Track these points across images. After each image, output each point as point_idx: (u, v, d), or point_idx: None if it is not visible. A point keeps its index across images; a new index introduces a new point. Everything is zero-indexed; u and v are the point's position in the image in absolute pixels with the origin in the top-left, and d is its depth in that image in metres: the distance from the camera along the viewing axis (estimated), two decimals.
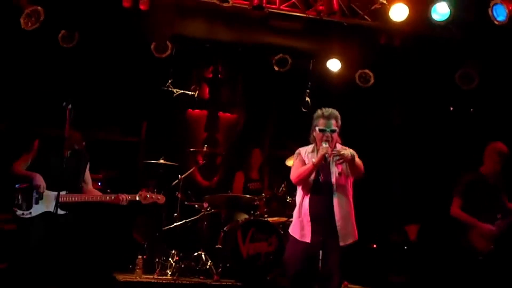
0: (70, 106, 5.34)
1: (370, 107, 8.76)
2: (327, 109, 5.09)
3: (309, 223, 4.95)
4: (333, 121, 5.02)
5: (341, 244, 4.92)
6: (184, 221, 7.26)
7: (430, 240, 7.75)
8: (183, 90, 7.82)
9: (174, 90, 7.74)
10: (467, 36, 7.09)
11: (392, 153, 8.80)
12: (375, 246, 8.07)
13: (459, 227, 6.02)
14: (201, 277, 6.88)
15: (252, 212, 7.36)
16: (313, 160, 4.98)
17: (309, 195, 5.02)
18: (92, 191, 5.84)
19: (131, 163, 8.26)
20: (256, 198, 7.39)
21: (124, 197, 5.74)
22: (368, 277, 7.31)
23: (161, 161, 7.33)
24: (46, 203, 5.51)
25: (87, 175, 5.87)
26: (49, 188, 5.50)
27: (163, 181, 7.45)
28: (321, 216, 4.92)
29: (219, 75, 9.02)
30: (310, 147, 5.16)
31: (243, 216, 7.33)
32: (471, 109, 8.08)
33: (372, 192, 8.44)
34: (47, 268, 5.50)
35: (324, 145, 4.92)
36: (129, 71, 8.04)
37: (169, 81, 7.70)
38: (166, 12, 7.04)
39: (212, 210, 7.33)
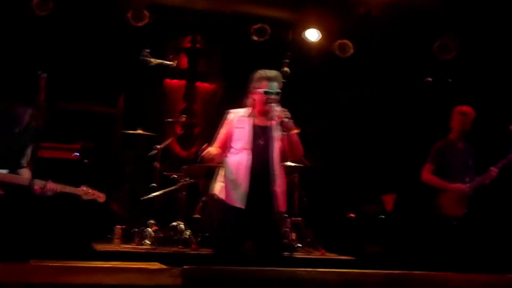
0: (45, 74, 5.08)
1: (349, 77, 8.81)
2: (270, 70, 4.87)
3: (247, 186, 4.71)
4: (276, 83, 4.79)
5: (279, 210, 4.80)
6: (162, 191, 7.29)
7: (406, 209, 7.90)
8: (161, 60, 7.69)
9: (152, 60, 7.60)
10: (445, 6, 7.15)
11: (370, 123, 8.91)
12: (352, 215, 8.20)
13: (430, 194, 6.15)
14: (179, 247, 6.94)
15: None
16: (247, 125, 4.77)
17: (248, 156, 4.75)
18: (25, 173, 5.23)
19: (108, 134, 8.29)
20: None
21: (50, 187, 5.04)
22: (344, 246, 7.45)
23: (139, 131, 7.35)
24: None
25: (28, 154, 5.35)
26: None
27: (141, 152, 7.54)
28: (261, 181, 4.72)
29: (197, 45, 9.01)
30: (243, 110, 4.92)
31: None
32: (449, 79, 8.18)
33: (349, 162, 8.68)
34: (26, 241, 5.55)
35: (278, 108, 4.67)
36: (105, 40, 8.00)
37: (147, 50, 7.56)
38: None
39: (191, 180, 7.37)
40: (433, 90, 8.25)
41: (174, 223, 7.15)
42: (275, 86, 4.79)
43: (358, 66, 8.64)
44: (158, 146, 7.34)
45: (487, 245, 6.60)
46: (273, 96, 4.76)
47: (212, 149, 4.91)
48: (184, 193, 7.36)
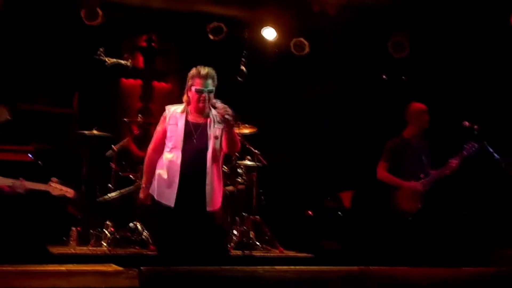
0: None
1: (306, 75, 8.86)
2: (204, 67, 4.84)
3: (176, 185, 4.70)
4: (210, 81, 4.77)
5: (213, 208, 4.78)
6: (119, 192, 7.21)
7: (364, 206, 7.97)
8: (116, 59, 7.54)
9: (107, 59, 7.43)
10: (398, 4, 7.22)
11: (327, 120, 8.97)
12: (310, 212, 8.24)
13: (386, 191, 6.22)
14: (136, 247, 6.87)
15: None
16: (180, 122, 4.77)
17: (180, 153, 4.73)
18: None
19: (63, 135, 8.14)
20: None
21: (21, 185, 5.07)
22: (303, 243, 7.48)
23: (94, 131, 7.25)
24: None
25: None
26: None
27: (97, 152, 7.40)
28: (193, 179, 4.72)
29: (153, 44, 8.92)
30: (179, 106, 4.90)
31: None
32: (403, 77, 8.28)
33: (307, 159, 8.73)
34: None
35: (220, 105, 4.66)
36: (59, 40, 7.86)
37: (101, 49, 7.41)
38: None
39: None
40: (388, 87, 8.40)
41: (131, 224, 7.05)
42: (208, 84, 4.77)
43: (314, 64, 8.68)
44: (114, 147, 7.24)
45: (442, 239, 6.70)
46: (204, 94, 4.75)
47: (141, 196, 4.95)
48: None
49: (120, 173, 7.38)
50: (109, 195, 7.18)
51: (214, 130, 4.77)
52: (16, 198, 5.31)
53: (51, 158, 7.41)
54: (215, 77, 4.85)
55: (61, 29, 7.82)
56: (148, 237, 6.95)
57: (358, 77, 8.76)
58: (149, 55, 8.92)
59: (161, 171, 4.84)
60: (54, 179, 5.20)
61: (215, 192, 4.78)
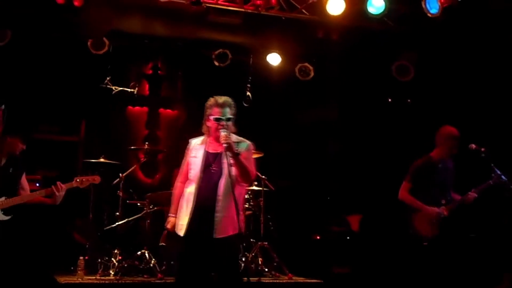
0: (3, 106, 5.27)
1: (311, 100, 8.83)
2: (221, 96, 4.88)
3: (189, 216, 4.75)
4: (227, 109, 4.81)
5: (217, 236, 4.72)
6: (126, 220, 7.16)
7: (373, 230, 7.86)
8: (122, 87, 7.73)
9: (113, 88, 7.62)
10: (403, 28, 7.22)
11: (332, 144, 8.93)
12: (318, 237, 8.13)
13: (404, 214, 6.08)
14: (145, 276, 6.80)
15: None
16: (200, 153, 4.85)
17: (196, 185, 4.79)
18: (25, 193, 5.65)
19: (70, 163, 8.13)
20: None
21: (60, 187, 5.55)
22: (311, 268, 7.37)
23: (101, 159, 7.22)
24: None
25: (24, 181, 5.72)
26: None
27: (104, 180, 7.09)
28: (205, 208, 4.74)
29: (159, 71, 8.94)
30: (199, 139, 4.98)
31: None
32: (408, 100, 8.24)
33: (313, 183, 8.65)
34: None
35: (223, 133, 4.68)
36: (66, 69, 7.91)
37: (108, 78, 7.59)
38: (102, 8, 6.90)
39: (155, 208, 7.24)
40: (392, 110, 8.35)
41: (139, 252, 6.99)
42: (225, 112, 4.81)
43: (318, 88, 8.66)
44: (121, 174, 7.21)
45: (458, 267, 6.55)
46: (223, 122, 4.78)
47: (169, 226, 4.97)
48: (148, 221, 7.21)
49: (127, 201, 7.34)
50: (117, 223, 7.11)
51: (230, 159, 4.74)
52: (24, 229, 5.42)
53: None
54: (233, 105, 4.89)
55: (68, 59, 7.86)
56: (156, 265, 6.87)
57: (362, 101, 8.72)
58: (155, 82, 8.94)
59: (181, 203, 4.90)
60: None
61: (226, 219, 4.73)
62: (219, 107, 4.81)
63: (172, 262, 6.89)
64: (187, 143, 8.12)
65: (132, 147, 7.90)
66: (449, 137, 6.08)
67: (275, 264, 7.26)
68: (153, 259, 6.92)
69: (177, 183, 5.05)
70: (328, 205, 8.54)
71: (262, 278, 6.95)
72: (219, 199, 4.73)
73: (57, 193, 5.53)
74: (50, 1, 6.56)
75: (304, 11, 7.21)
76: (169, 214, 5.03)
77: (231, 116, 4.83)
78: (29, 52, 7.59)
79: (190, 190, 4.83)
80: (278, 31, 7.52)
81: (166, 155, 8.75)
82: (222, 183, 4.75)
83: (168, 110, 9.01)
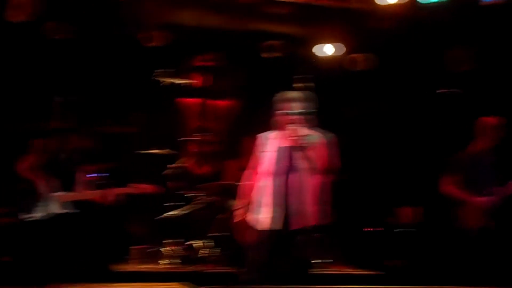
0: (60, 99, 5.57)
1: (361, 92, 8.72)
2: (289, 91, 5.00)
3: (270, 208, 4.84)
4: (297, 103, 4.90)
5: (295, 227, 4.80)
6: (178, 210, 7.24)
7: (428, 222, 7.71)
8: (175, 79, 7.79)
9: (167, 80, 7.68)
10: (455, 18, 7.07)
11: (387, 135, 8.75)
12: (371, 229, 8.03)
13: (450, 206, 5.99)
14: (197, 265, 6.87)
15: None
16: (271, 147, 4.92)
17: (270, 178, 4.88)
18: (85, 189, 5.98)
19: (124, 154, 8.17)
20: None
21: (111, 192, 5.90)
22: (364, 260, 7.36)
23: (155, 150, 7.31)
24: (48, 205, 5.72)
25: (83, 176, 6.02)
26: (52, 189, 5.73)
27: (157, 171, 7.47)
28: (283, 201, 4.82)
29: (211, 63, 8.94)
30: (269, 133, 5.05)
31: None
32: (460, 91, 8.07)
33: (368, 176, 8.52)
34: (47, 264, 5.64)
35: (292, 127, 4.80)
36: (119, 62, 7.98)
37: (160, 70, 7.65)
38: (156, 0, 6.99)
39: (207, 198, 7.31)
40: (446, 101, 8.17)
41: (192, 242, 7.09)
42: (296, 107, 4.87)
43: (369, 80, 8.52)
44: (174, 165, 7.31)
45: (507, 258, 6.41)
46: (294, 117, 4.84)
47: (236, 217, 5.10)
48: (201, 211, 7.29)
49: (179, 191, 7.40)
50: (169, 213, 7.20)
51: (299, 152, 4.82)
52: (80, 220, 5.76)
53: (113, 177, 7.43)
54: (303, 99, 4.96)
55: (122, 52, 7.96)
56: (209, 255, 6.96)
57: (413, 93, 8.53)
58: (208, 74, 8.96)
59: (256, 197, 4.96)
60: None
61: (301, 211, 4.77)
62: (288, 102, 4.89)
63: (225, 252, 6.99)
64: (238, 134, 8.26)
65: (185, 138, 7.97)
66: (490, 127, 5.95)
67: (331, 255, 7.25)
68: (206, 249, 7.00)
69: (245, 177, 5.15)
70: (382, 198, 8.35)
71: (317, 270, 6.89)
72: (293, 191, 4.78)
73: (107, 198, 5.88)
74: None
75: (355, 1, 7.16)
76: (238, 206, 5.14)
77: (300, 110, 4.88)
78: (84, 45, 7.70)
79: (264, 183, 4.90)
80: (331, 21, 7.50)
81: (218, 146, 8.73)
82: (296, 175, 4.80)
83: (220, 102, 9.05)
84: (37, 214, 5.71)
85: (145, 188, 6.03)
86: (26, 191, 5.72)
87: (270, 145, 4.97)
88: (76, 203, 5.89)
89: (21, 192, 5.74)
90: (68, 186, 5.82)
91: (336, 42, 7.92)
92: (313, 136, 4.92)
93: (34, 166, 5.77)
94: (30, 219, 5.69)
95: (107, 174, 6.56)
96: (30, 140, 5.82)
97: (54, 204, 5.77)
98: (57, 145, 5.94)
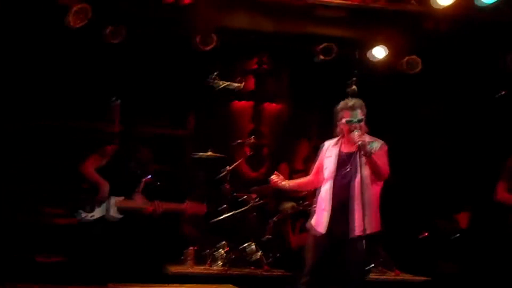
0: (118, 101, 5.43)
1: (417, 96, 8.62)
2: (350, 99, 5.08)
3: (328, 213, 4.93)
4: (358, 111, 4.98)
5: (355, 234, 4.81)
6: (232, 212, 7.28)
7: (482, 227, 7.57)
8: (229, 82, 7.82)
9: (220, 83, 7.72)
10: None
11: (441, 139, 8.66)
12: (426, 234, 7.92)
13: (504, 212, 5.87)
14: (251, 268, 6.93)
15: (300, 202, 7.34)
16: (334, 153, 5.04)
17: (332, 183, 4.98)
18: (139, 198, 6.18)
19: (179, 156, 8.31)
20: None
21: (161, 206, 6.10)
22: (418, 265, 7.27)
23: (209, 153, 7.36)
24: (106, 207, 5.91)
25: (143, 183, 6.22)
26: (110, 192, 5.91)
27: (211, 173, 7.56)
28: (342, 206, 4.89)
29: (264, 66, 8.98)
30: (333, 140, 5.18)
31: (291, 205, 7.36)
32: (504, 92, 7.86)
33: (421, 179, 8.40)
34: (103, 264, 5.79)
35: (356, 133, 4.84)
36: (174, 65, 8.08)
37: (215, 73, 7.69)
38: (210, 5, 7.03)
39: (260, 201, 7.34)
40: (504, 105, 7.97)
41: (245, 244, 7.13)
42: (356, 114, 4.96)
43: (425, 83, 8.39)
44: (228, 168, 7.36)
45: None
46: (355, 124, 4.93)
47: (276, 179, 5.29)
48: (254, 214, 7.35)
49: (233, 194, 7.47)
50: (224, 215, 7.25)
51: (363, 158, 4.84)
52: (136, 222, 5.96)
53: (169, 179, 7.53)
54: (363, 106, 5.06)
55: (177, 55, 8.05)
56: (262, 257, 6.99)
57: (470, 95, 8.40)
58: (260, 77, 9.00)
59: (319, 202, 5.08)
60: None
61: (361, 217, 4.74)
62: (350, 110, 4.98)
63: (278, 255, 7.03)
64: (291, 137, 8.19)
65: (238, 141, 8.00)
66: None
67: (381, 259, 7.19)
68: (259, 252, 7.01)
69: (307, 177, 5.41)
70: (436, 202, 8.25)
71: (373, 275, 6.87)
72: (355, 197, 4.83)
73: (160, 210, 6.10)
74: (161, 1, 6.78)
75: (412, 2, 7.03)
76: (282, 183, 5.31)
77: (361, 117, 4.98)
78: (141, 49, 7.79)
79: (326, 187, 5.02)
80: (385, 23, 7.38)
81: (271, 149, 8.87)
82: (357, 182, 4.83)
83: (273, 105, 9.06)
84: (96, 215, 5.86)
85: (198, 208, 6.27)
86: (88, 191, 5.88)
87: (332, 151, 5.10)
88: (132, 210, 6.07)
89: (83, 191, 5.89)
90: (127, 192, 5.99)
91: (389, 45, 7.75)
92: (375, 143, 4.99)
93: (98, 168, 5.95)
94: (89, 219, 5.84)
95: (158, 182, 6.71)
96: (98, 143, 6.07)
97: (112, 208, 5.93)
98: (123, 151, 6.13)
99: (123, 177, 6.01)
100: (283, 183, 5.27)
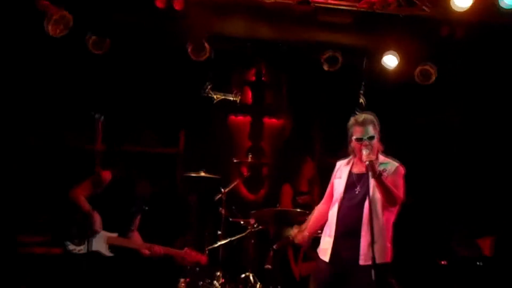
0: (102, 118, 5.55)
1: (432, 105, 8.64)
2: (360, 114, 5.10)
3: (332, 239, 4.97)
4: (370, 127, 5.01)
5: (363, 263, 4.82)
6: (229, 239, 7.22)
7: (508, 254, 7.59)
8: (224, 95, 7.85)
9: (214, 96, 7.75)
10: None
11: (458, 153, 8.68)
12: (444, 262, 7.88)
13: None
14: None
15: (304, 227, 7.24)
16: (344, 173, 5.07)
17: (338, 206, 5.02)
18: (135, 237, 6.29)
19: (169, 177, 8.27)
20: (307, 212, 7.05)
21: (161, 251, 6.20)
22: None
23: (202, 173, 7.32)
24: (97, 242, 5.91)
25: (137, 222, 6.32)
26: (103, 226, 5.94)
27: (205, 196, 7.57)
28: (348, 232, 4.92)
29: (263, 78, 8.99)
30: (345, 160, 5.21)
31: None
32: None
33: (438, 199, 8.42)
34: None
35: (364, 152, 4.84)
36: (164, 77, 8.12)
37: (208, 86, 7.72)
38: (203, 11, 7.05)
39: (260, 227, 7.27)
40: None
41: (243, 275, 7.07)
42: (367, 131, 4.99)
43: (441, 91, 8.42)
44: (223, 190, 7.29)
45: None
46: (365, 142, 4.94)
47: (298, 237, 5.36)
48: (253, 241, 7.26)
49: (230, 219, 7.40)
50: (219, 243, 7.18)
51: (377, 180, 4.83)
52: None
53: (157, 202, 7.48)
54: (375, 122, 5.09)
55: (167, 66, 8.06)
56: None
57: (489, 104, 8.46)
58: (259, 90, 9.01)
59: (325, 227, 5.14)
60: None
61: (372, 245, 4.72)
62: (360, 126, 5.01)
63: (279, 287, 6.94)
64: (293, 155, 8.16)
65: (235, 160, 7.98)
66: None
67: None
68: (259, 283, 6.95)
69: (319, 205, 5.40)
70: (456, 225, 8.25)
71: None
72: (363, 222, 4.85)
73: (152, 255, 6.19)
74: (150, 6, 6.80)
75: (425, 7, 7.06)
76: (303, 228, 5.44)
77: (373, 134, 5.00)
78: (127, 59, 7.85)
79: (332, 211, 5.06)
80: (395, 30, 7.39)
81: (271, 169, 8.86)
82: (366, 205, 4.82)
83: (273, 119, 9.05)
84: (84, 249, 5.82)
85: (198, 258, 6.38)
86: (79, 221, 5.89)
87: (343, 172, 5.12)
88: (123, 249, 6.08)
89: (74, 221, 5.90)
90: (120, 228, 6.04)
91: (401, 53, 7.78)
92: (389, 163, 5.04)
93: (90, 196, 5.95)
94: (77, 253, 5.84)
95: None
96: (93, 167, 5.96)
97: (103, 244, 5.94)
98: (120, 180, 6.14)
99: (117, 210, 6.02)
100: (303, 234, 5.32)
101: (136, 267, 6.62)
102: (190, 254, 6.34)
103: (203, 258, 6.39)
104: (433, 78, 8.00)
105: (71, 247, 5.86)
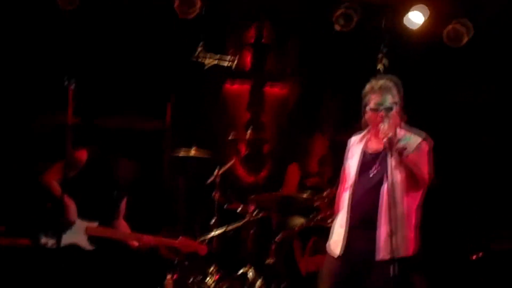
0: (73, 84, 5.34)
1: (461, 75, 8.44)
2: (377, 80, 4.88)
3: (345, 230, 4.87)
4: (388, 96, 4.76)
5: (381, 257, 4.70)
6: (224, 228, 7.05)
7: None
8: (218, 59, 7.72)
9: (206, 60, 7.63)
10: None
11: (496, 130, 8.47)
12: (477, 256, 7.67)
13: None
14: None
15: (311, 216, 7.10)
16: (357, 152, 4.93)
17: (350, 193, 4.89)
18: (122, 226, 6.18)
19: (154, 156, 8.15)
20: (316, 197, 7.11)
21: (151, 241, 6.08)
22: None
23: (193, 152, 7.13)
24: (74, 233, 5.78)
25: (123, 208, 6.22)
26: (80, 214, 5.83)
27: (196, 178, 7.47)
28: (363, 221, 4.80)
29: (264, 39, 8.81)
30: (359, 135, 5.06)
31: (300, 221, 7.20)
32: None
33: (471, 184, 8.25)
34: None
35: (382, 126, 4.64)
36: (147, 38, 8.01)
37: (200, 49, 7.58)
38: None
39: (260, 215, 7.10)
40: None
41: (241, 271, 6.93)
42: (385, 99, 4.76)
43: (472, 58, 8.25)
44: (217, 171, 7.12)
45: None
46: (382, 112, 4.73)
47: None
48: (252, 230, 7.14)
49: (225, 206, 7.24)
50: (212, 233, 7.03)
51: (392, 159, 4.65)
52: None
53: (140, 186, 7.09)
54: (398, 87, 4.85)
55: (151, 25, 7.96)
56: (263, 287, 6.79)
57: None
58: (259, 53, 8.84)
59: (337, 216, 5.04)
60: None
61: (389, 236, 4.59)
62: (376, 93, 4.77)
63: (283, 284, 6.86)
64: (300, 130, 8.06)
65: (231, 137, 7.76)
66: None
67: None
68: (259, 280, 6.81)
69: (338, 192, 5.19)
70: (491, 214, 8.05)
71: None
72: (381, 210, 4.69)
73: (142, 247, 6.09)
74: None
75: None
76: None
77: (391, 105, 4.74)
78: (104, 18, 7.73)
79: (344, 198, 4.94)
80: None
81: (274, 146, 8.76)
82: (385, 190, 4.66)
83: (276, 88, 8.89)
84: (55, 241, 5.60)
85: (196, 248, 6.21)
86: (51, 210, 5.75)
87: (355, 150, 4.97)
88: (110, 241, 5.96)
89: (46, 210, 5.75)
90: (102, 217, 5.88)
91: (429, 9, 7.60)
92: (411, 138, 4.77)
93: (63, 180, 5.72)
94: (51, 247, 5.66)
95: None
96: (64, 146, 5.72)
97: (81, 235, 5.78)
98: (97, 160, 5.97)
99: (96, 196, 5.88)
100: None
101: (121, 262, 6.47)
102: (186, 244, 6.17)
103: (202, 248, 6.19)
104: (465, 39, 7.86)
105: (44, 240, 5.70)
